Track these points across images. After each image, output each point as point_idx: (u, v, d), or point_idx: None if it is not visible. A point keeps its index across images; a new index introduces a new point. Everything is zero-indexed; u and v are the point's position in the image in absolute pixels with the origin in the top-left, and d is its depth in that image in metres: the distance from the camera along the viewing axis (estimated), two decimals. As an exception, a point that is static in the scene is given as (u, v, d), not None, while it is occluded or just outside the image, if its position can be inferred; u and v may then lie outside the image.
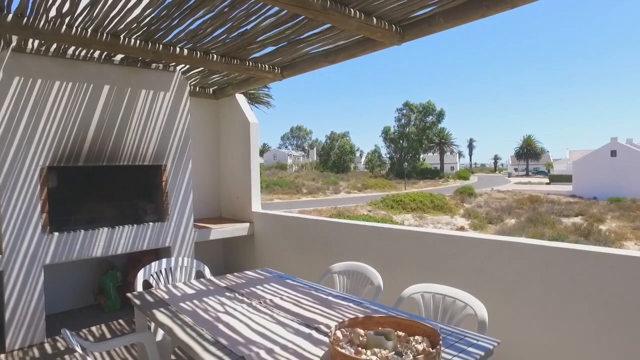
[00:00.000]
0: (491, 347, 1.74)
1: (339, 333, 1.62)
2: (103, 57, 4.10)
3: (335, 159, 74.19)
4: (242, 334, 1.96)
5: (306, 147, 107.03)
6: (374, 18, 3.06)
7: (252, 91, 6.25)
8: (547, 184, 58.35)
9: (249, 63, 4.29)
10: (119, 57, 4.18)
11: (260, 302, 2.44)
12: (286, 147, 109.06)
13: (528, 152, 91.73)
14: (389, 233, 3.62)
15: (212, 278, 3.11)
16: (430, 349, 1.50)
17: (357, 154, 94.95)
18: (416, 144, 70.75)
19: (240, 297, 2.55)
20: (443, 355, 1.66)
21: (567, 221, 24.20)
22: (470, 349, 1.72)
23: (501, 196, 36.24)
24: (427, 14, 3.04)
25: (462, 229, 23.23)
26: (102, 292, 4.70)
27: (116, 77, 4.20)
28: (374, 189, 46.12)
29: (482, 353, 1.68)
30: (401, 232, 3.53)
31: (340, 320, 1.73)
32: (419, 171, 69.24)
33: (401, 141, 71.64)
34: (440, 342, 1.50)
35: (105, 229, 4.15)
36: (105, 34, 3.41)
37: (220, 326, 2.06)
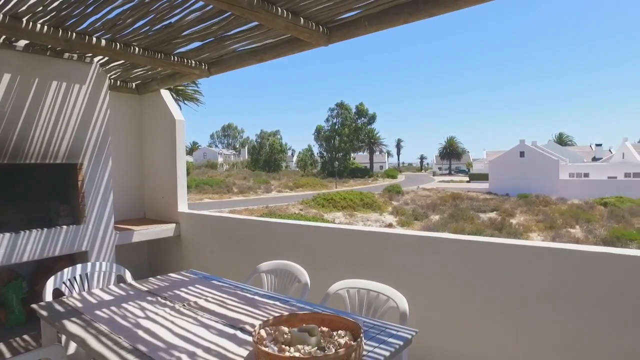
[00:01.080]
0: (410, 336, 1.84)
1: (263, 332, 1.62)
2: (1, 40, 3.69)
3: (266, 157, 73.70)
4: (164, 338, 1.89)
5: (237, 146, 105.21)
6: (302, 18, 3.08)
7: (179, 87, 6.02)
8: (467, 182, 62.57)
9: (174, 58, 4.12)
10: (22, 42, 3.80)
11: (183, 305, 2.36)
12: (217, 145, 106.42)
13: (451, 152, 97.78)
14: (316, 231, 3.67)
15: (133, 282, 2.95)
16: (352, 342, 1.55)
17: (289, 153, 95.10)
18: (348, 144, 72.48)
19: (163, 301, 2.45)
20: (365, 347, 1.72)
21: (484, 216, 26.09)
22: (390, 339, 1.80)
23: (426, 194, 38.24)
24: (353, 17, 3.12)
25: (390, 225, 24.18)
26: (2, 305, 4.24)
27: (20, 65, 3.81)
28: (305, 188, 46.50)
29: (401, 342, 1.77)
30: (329, 230, 3.61)
31: (265, 319, 1.73)
32: (350, 170, 70.98)
33: (333, 140, 72.96)
34: (362, 334, 1.56)
35: (7, 234, 3.76)
36: (1, 15, 3.08)
37: (140, 332, 1.97)
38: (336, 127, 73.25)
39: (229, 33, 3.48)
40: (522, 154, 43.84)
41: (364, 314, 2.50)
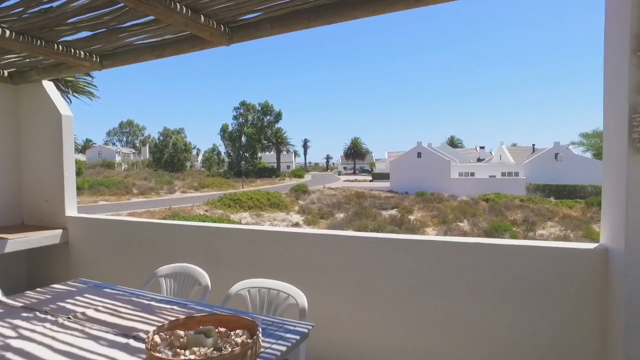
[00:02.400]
0: (306, 330, 1.92)
1: (157, 338, 1.57)
2: None
3: (169, 157, 70.07)
4: (41, 358, 1.73)
5: (138, 144, 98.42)
6: (202, 16, 3.02)
7: (69, 79, 5.48)
8: (370, 181, 65.83)
9: (58, 47, 3.76)
10: None
11: (68, 318, 2.18)
12: (114, 143, 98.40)
13: (355, 152, 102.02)
14: (219, 232, 3.62)
15: (4, 298, 2.63)
16: (248, 340, 1.58)
17: (194, 152, 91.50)
18: (254, 143, 71.83)
19: (42, 316, 2.23)
20: (263, 344, 1.76)
21: (385, 213, 27.63)
22: (287, 335, 1.86)
23: (332, 193, 39.43)
24: (254, 19, 3.14)
25: (297, 224, 24.51)
26: None
27: None
28: (211, 188, 45.13)
29: (298, 337, 1.84)
30: (231, 230, 3.58)
31: (161, 324, 1.68)
32: (257, 170, 70.48)
33: (240, 140, 71.80)
34: (258, 332, 1.59)
35: None
36: None
37: (10, 355, 1.77)
38: (242, 126, 72.21)
39: (124, 25, 3.27)
40: (419, 155, 47.35)
41: (265, 312, 2.54)
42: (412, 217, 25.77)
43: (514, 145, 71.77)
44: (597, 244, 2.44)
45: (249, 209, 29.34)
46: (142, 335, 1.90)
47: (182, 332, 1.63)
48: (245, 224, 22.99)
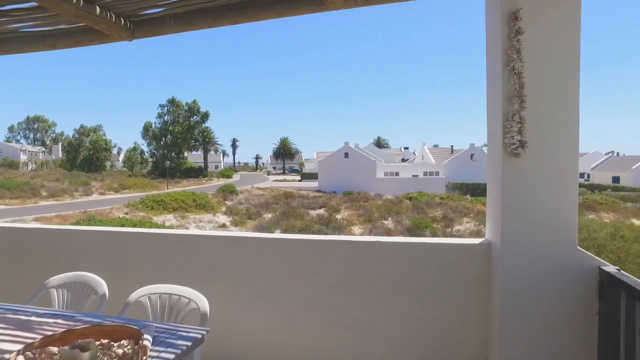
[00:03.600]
0: (199, 336, 1.88)
1: (21, 358, 1.45)
2: None
3: (86, 156, 65.11)
4: None
5: (48, 142, 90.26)
6: (98, 7, 2.84)
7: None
8: (299, 181, 66.18)
9: None
10: None
11: None
12: (18, 140, 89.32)
13: (284, 152, 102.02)
14: (121, 237, 3.43)
15: None
16: (129, 351, 1.51)
17: (115, 151, 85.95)
18: (181, 142, 69.09)
19: None
20: (152, 352, 1.70)
21: (313, 213, 27.91)
22: (179, 342, 1.81)
23: (260, 193, 39.10)
24: (157, 14, 3.02)
25: (224, 226, 23.98)
26: None
27: None
28: (133, 190, 42.69)
29: (189, 343, 1.80)
30: (135, 234, 3.41)
31: (30, 342, 1.56)
32: (183, 170, 67.88)
33: (165, 139, 68.65)
34: (142, 341, 1.53)
35: None
36: None
37: None
38: (168, 124, 69.12)
39: (3, 8, 2.97)
40: (346, 155, 48.54)
41: (166, 318, 2.45)
42: (339, 216, 26.31)
43: (436, 146, 76.22)
44: (483, 239, 2.66)
45: (174, 210, 28.20)
46: (6, 357, 1.74)
47: (55, 349, 1.52)
48: (169, 226, 22.05)
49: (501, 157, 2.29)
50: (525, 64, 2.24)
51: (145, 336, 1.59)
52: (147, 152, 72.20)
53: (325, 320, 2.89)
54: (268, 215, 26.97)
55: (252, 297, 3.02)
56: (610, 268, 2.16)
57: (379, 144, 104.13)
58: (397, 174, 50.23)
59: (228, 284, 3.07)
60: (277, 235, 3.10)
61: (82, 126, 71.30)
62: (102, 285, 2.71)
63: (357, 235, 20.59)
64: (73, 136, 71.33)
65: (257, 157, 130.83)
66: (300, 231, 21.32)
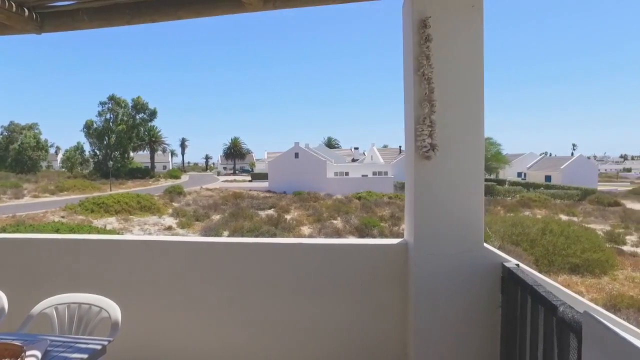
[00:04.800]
0: (100, 347, 1.80)
1: None
2: None
3: (16, 155, 60.63)
4: None
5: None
6: (0, -2, 2.64)
7: None
8: (250, 181, 65.42)
9: None
10: None
11: None
12: None
13: (235, 152, 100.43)
14: (30, 244, 3.19)
15: None
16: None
17: (52, 151, 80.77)
18: (125, 141, 66.07)
19: None
20: (43, 369, 1.60)
21: (263, 213, 27.68)
22: (74, 355, 1.72)
23: (209, 194, 38.26)
24: (69, 7, 2.86)
25: (170, 228, 23.22)
26: None
27: None
28: (72, 192, 40.30)
29: (86, 356, 1.71)
30: (46, 240, 3.20)
31: None
32: (128, 170, 65.01)
33: (108, 137, 65.34)
34: (23, 356, 1.44)
35: None
36: None
37: None
38: (110, 122, 65.86)
39: None
40: (296, 155, 48.56)
41: (75, 330, 2.33)
42: (288, 217, 26.27)
43: (385, 147, 78.08)
44: (401, 239, 2.75)
45: (117, 213, 26.96)
46: None
47: None
48: (111, 229, 21.03)
49: (413, 160, 2.37)
50: (434, 69, 2.33)
51: (31, 352, 1.49)
52: (89, 151, 68.44)
53: (247, 323, 2.86)
54: (216, 217, 26.43)
55: (173, 302, 2.94)
56: (511, 264, 2.30)
57: (330, 144, 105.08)
58: (347, 174, 50.92)
59: (148, 290, 2.97)
60: (198, 238, 3.04)
61: (12, 123, 66.31)
62: (1, 299, 2.51)
63: (306, 236, 20.66)
64: (1, 134, 66.23)
65: (207, 157, 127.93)
66: (249, 232, 21.09)
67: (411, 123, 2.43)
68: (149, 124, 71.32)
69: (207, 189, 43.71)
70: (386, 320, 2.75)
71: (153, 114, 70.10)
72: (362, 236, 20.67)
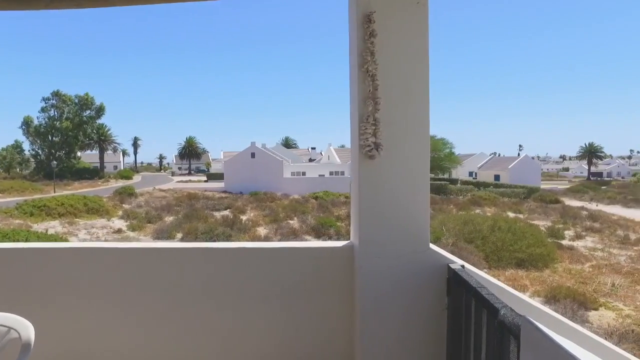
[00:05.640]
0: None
1: None
2: None
3: None
4: None
5: None
6: None
7: None
8: (205, 181, 63.99)
9: None
10: None
11: None
12: None
13: (191, 152, 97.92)
14: None
15: None
16: None
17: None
18: (71, 140, 62.68)
19: None
20: None
21: (218, 215, 27.10)
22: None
23: (162, 195, 37.04)
24: (-20, -11, 2.56)
25: (119, 231, 22.19)
26: None
27: None
28: (8, 194, 37.71)
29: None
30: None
31: None
32: (75, 171, 61.72)
33: (51, 136, 61.72)
34: None
35: None
36: None
37: None
38: (54, 119, 62.20)
39: None
40: (253, 155, 47.96)
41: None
42: (244, 217, 25.86)
43: (342, 146, 78.69)
44: (347, 242, 2.66)
45: (60, 216, 25.48)
46: None
47: None
48: (53, 234, 19.78)
49: (357, 159, 2.29)
50: (379, 66, 2.26)
51: None
52: (29, 150, 64.32)
53: (187, 333, 2.68)
54: (170, 218, 25.57)
55: (104, 314, 2.70)
56: (456, 265, 2.27)
57: (288, 144, 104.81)
58: (304, 173, 50.85)
59: (76, 302, 2.71)
60: (135, 244, 2.83)
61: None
62: None
63: (262, 236, 20.41)
64: None
65: (161, 157, 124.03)
66: (204, 234, 20.56)
67: (356, 121, 2.35)
68: (98, 121, 68.07)
69: (161, 190, 42.31)
70: (332, 325, 2.66)
71: (101, 110, 66.89)
72: (318, 236, 20.70)
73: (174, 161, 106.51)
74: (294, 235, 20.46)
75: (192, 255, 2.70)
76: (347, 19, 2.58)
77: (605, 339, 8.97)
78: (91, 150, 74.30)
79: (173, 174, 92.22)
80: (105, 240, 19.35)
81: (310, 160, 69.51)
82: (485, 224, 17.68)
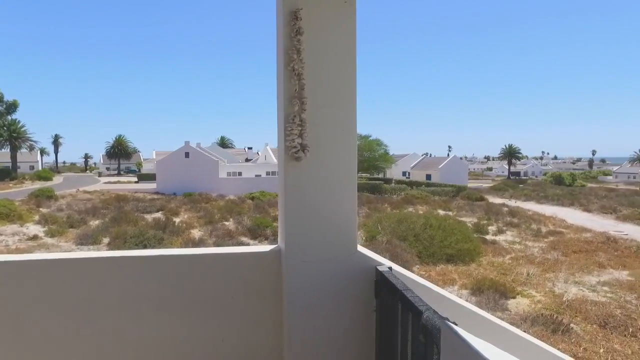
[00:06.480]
0: None
1: None
2: None
3: None
4: None
5: None
6: None
7: None
8: (136, 182, 60.72)
9: None
10: None
11: None
12: None
13: (120, 151, 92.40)
14: None
15: None
16: None
17: None
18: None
19: None
20: None
21: (149, 217, 25.81)
22: None
23: (87, 197, 34.63)
24: None
25: (35, 237, 20.33)
26: None
27: None
28: None
29: None
30: None
31: None
32: (-18, 171, 55.89)
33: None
34: None
35: None
36: None
37: None
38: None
39: None
40: (187, 155, 46.25)
41: None
42: (177, 219, 24.84)
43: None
44: (275, 246, 2.57)
45: (-42, 223, 22.87)
46: None
47: None
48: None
49: (283, 161, 2.21)
50: (305, 65, 2.19)
51: None
52: None
53: (101, 351, 2.44)
54: (95, 222, 23.92)
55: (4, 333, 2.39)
56: (384, 267, 2.26)
57: (224, 143, 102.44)
58: (240, 174, 49.92)
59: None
60: (37, 255, 2.52)
61: None
62: None
63: (196, 239, 19.69)
64: None
65: (87, 157, 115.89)
66: (133, 237, 19.43)
67: (282, 122, 2.26)
68: (9, 117, 62.09)
69: (85, 192, 39.51)
70: (260, 333, 2.55)
71: (13, 106, 61.10)
72: (254, 237, 20.39)
73: (102, 161, 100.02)
74: (230, 236, 19.97)
75: (106, 265, 2.47)
76: (275, 16, 2.50)
77: (521, 324, 9.70)
78: (2, 149, 67.63)
79: (100, 174, 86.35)
80: (17, 249, 17.64)
81: (247, 160, 68.43)
82: (418, 222, 18.39)
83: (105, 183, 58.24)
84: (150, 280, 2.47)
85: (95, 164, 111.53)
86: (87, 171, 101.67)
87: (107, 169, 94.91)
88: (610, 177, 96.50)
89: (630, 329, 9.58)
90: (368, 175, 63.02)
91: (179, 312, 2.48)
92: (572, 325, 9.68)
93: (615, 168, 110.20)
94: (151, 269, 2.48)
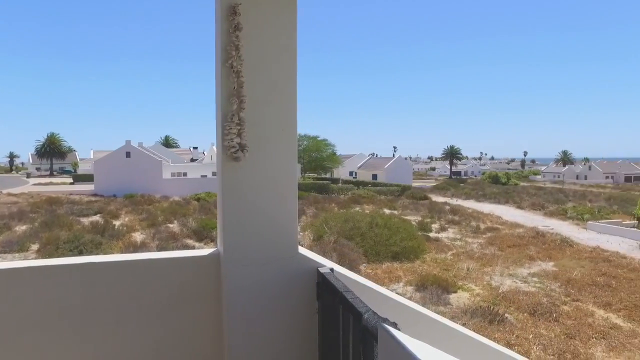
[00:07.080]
0: None
1: None
2: None
3: None
4: None
5: None
6: None
7: None
8: (71, 183, 57.03)
9: None
10: None
11: None
12: None
13: (53, 150, 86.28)
14: None
15: None
16: None
17: None
18: None
19: None
20: None
21: (86, 220, 24.36)
22: None
23: (13, 200, 32.04)
24: None
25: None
26: None
27: None
28: None
29: None
30: None
31: None
32: None
33: None
34: None
35: None
36: None
37: None
38: None
39: None
40: (128, 155, 44.10)
41: None
42: (118, 222, 23.63)
43: (226, 146, 76.57)
44: (213, 250, 2.47)
45: None
46: None
47: None
48: None
49: (222, 161, 2.12)
50: (244, 62, 2.12)
51: None
52: None
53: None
54: (22, 228, 22.15)
55: None
56: (325, 269, 2.24)
57: (168, 143, 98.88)
58: (185, 174, 48.36)
59: None
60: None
61: None
62: None
63: (138, 243, 18.81)
64: None
65: (13, 156, 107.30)
66: (67, 242, 18.19)
67: (221, 121, 2.18)
68: None
69: (10, 194, 36.51)
70: (199, 340, 2.45)
71: None
72: (200, 239, 19.82)
73: (30, 160, 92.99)
74: (174, 239, 19.26)
75: (25, 276, 2.25)
76: (214, 10, 2.40)
77: (462, 316, 10.14)
78: None
79: (29, 175, 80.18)
80: None
81: (192, 160, 66.44)
82: (364, 221, 18.73)
83: (35, 185, 54.09)
84: (76, 291, 2.28)
85: (22, 164, 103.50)
86: (13, 172, 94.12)
87: (38, 169, 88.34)
88: (539, 177, 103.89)
89: (554, 314, 10.46)
90: (316, 175, 63.43)
91: (108, 324, 2.32)
92: (506, 315, 10.31)
93: (543, 168, 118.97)
94: (78, 279, 2.30)
